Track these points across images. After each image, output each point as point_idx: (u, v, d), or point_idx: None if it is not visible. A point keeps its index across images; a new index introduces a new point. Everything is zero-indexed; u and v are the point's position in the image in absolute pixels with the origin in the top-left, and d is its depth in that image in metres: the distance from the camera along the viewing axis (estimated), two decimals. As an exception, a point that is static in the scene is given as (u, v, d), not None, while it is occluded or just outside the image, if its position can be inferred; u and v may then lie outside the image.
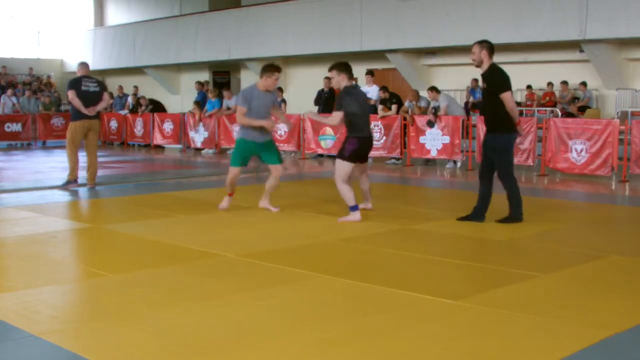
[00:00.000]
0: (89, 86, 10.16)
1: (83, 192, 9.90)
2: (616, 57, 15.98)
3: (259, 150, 7.73)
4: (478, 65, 7.04)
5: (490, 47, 7.00)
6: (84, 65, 10.54)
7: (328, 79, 10.32)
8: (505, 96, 6.86)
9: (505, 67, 7.16)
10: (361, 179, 7.61)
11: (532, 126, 12.25)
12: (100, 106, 10.26)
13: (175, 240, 6.28)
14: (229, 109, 17.36)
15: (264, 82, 7.54)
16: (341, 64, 7.32)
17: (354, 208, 7.14)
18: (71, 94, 10.03)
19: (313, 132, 15.33)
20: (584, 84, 16.20)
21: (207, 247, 5.97)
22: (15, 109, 21.00)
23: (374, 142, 13.86)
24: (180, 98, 25.87)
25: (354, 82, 7.42)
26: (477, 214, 7.17)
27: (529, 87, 17.23)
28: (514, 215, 7.12)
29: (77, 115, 10.10)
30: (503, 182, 7.13)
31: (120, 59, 27.10)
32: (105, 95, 10.40)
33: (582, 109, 15.93)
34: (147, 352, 3.54)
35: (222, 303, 4.40)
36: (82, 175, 10.37)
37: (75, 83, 10.17)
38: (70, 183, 10.14)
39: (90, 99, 10.09)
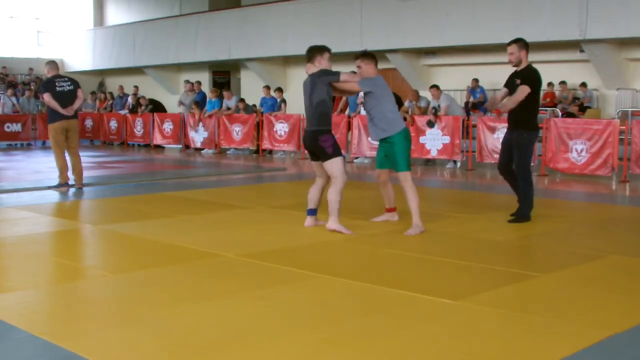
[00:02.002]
0: (63, 86, 9.89)
1: (82, 192, 9.89)
2: (616, 57, 15.98)
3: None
4: (516, 65, 7.08)
5: (527, 46, 7.07)
6: (53, 64, 10.19)
7: None
8: (523, 88, 6.90)
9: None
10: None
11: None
12: (77, 104, 9.97)
13: (175, 240, 6.27)
14: (229, 109, 17.38)
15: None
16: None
17: (307, 212, 6.96)
18: (47, 97, 9.77)
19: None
20: (584, 84, 16.20)
21: (207, 247, 5.96)
22: (15, 109, 20.99)
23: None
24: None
25: (318, 69, 7.17)
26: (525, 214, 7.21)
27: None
28: (523, 214, 7.17)
29: (55, 117, 9.87)
30: (521, 181, 7.19)
31: (120, 59, 27.10)
32: (80, 92, 10.07)
33: (583, 109, 15.93)
34: (147, 352, 3.54)
35: (222, 303, 4.39)
36: (70, 176, 10.23)
37: (49, 84, 9.89)
38: (62, 186, 9.87)
39: (66, 98, 9.84)
